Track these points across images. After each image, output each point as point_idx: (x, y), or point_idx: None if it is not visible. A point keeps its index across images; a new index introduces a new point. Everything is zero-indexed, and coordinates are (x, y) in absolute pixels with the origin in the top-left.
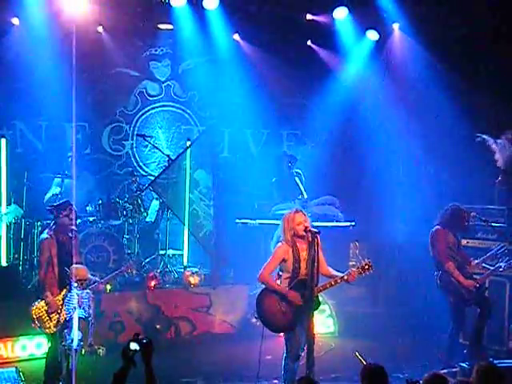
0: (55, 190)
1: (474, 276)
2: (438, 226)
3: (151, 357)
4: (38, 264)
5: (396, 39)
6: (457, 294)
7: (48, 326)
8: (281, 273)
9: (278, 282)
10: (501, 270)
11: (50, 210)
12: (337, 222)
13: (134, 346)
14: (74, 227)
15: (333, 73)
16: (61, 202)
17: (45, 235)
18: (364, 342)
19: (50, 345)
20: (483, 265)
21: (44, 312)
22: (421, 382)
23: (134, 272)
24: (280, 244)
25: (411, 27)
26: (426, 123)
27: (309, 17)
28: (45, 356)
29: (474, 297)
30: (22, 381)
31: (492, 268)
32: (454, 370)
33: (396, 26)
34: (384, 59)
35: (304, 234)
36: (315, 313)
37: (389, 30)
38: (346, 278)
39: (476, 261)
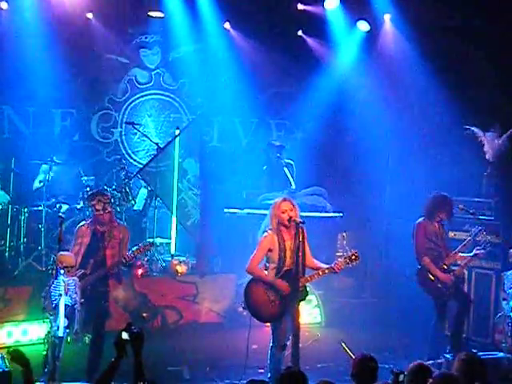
0: (41, 176)
1: (453, 268)
2: (420, 218)
3: (141, 347)
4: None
5: (387, 30)
6: (434, 290)
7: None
8: (267, 264)
9: (266, 272)
10: (478, 254)
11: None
12: (325, 212)
13: (125, 335)
14: (101, 215)
15: (323, 63)
16: (93, 191)
17: (81, 223)
18: (350, 333)
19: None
20: (460, 254)
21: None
22: (405, 372)
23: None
24: (265, 234)
25: (402, 18)
26: (416, 114)
27: (300, 7)
28: (31, 343)
29: (451, 291)
30: (6, 367)
31: (469, 256)
32: (440, 361)
33: (387, 17)
34: (375, 50)
35: (287, 223)
36: (302, 303)
37: (380, 21)
38: (332, 268)
39: (454, 251)
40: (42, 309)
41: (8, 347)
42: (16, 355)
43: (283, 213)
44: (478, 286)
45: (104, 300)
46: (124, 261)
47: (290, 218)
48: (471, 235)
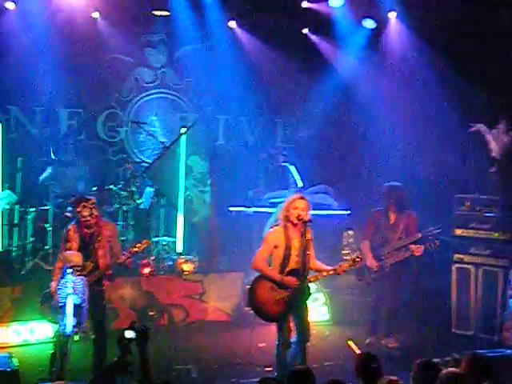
0: (47, 173)
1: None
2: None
3: (146, 344)
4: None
5: (392, 28)
6: (358, 270)
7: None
8: (270, 261)
9: None
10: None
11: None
12: (331, 210)
13: (129, 334)
14: (88, 221)
15: (329, 61)
16: (76, 197)
17: (68, 226)
18: (358, 331)
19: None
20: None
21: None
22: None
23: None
24: (271, 230)
25: (407, 16)
26: (421, 112)
27: (305, 4)
28: (38, 342)
29: (373, 276)
30: (15, 366)
31: (402, 253)
32: (447, 359)
33: (392, 15)
34: (380, 47)
35: (296, 221)
36: (309, 301)
37: (385, 19)
38: (335, 270)
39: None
40: (42, 313)
41: (15, 346)
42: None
43: (294, 209)
44: (486, 283)
45: (101, 299)
46: (120, 261)
47: (299, 216)
48: (424, 234)
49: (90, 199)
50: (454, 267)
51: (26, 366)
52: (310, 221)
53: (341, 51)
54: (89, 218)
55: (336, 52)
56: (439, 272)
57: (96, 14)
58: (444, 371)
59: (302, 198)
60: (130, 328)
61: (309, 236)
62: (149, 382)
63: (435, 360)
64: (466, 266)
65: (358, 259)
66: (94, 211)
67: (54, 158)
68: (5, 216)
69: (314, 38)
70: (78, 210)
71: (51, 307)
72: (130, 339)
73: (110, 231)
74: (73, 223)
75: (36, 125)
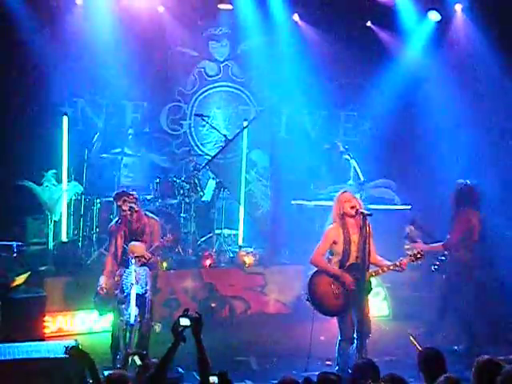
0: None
1: None
2: None
3: (201, 332)
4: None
5: (458, 20)
6: None
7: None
8: (330, 256)
9: None
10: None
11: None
12: (393, 205)
13: (183, 321)
14: (128, 214)
15: (393, 54)
16: (118, 191)
17: (112, 222)
18: (418, 326)
19: (112, 320)
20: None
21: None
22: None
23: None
24: (331, 226)
25: (474, 7)
26: (487, 106)
27: None
28: (103, 330)
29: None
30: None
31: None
32: (511, 357)
33: (458, 7)
34: (445, 40)
35: (353, 213)
36: (369, 296)
37: (451, 11)
38: (397, 265)
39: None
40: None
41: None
42: (76, 353)
43: (345, 202)
44: None
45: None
46: (145, 259)
47: (357, 208)
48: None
49: (131, 194)
50: None
51: (90, 353)
52: (369, 214)
53: (405, 44)
54: (128, 213)
55: (400, 45)
56: (505, 268)
57: (161, 8)
58: (507, 367)
59: (345, 191)
60: (183, 315)
61: (368, 230)
62: (205, 371)
63: (499, 358)
64: None
65: (419, 255)
66: (134, 206)
67: (118, 150)
68: (72, 207)
69: (377, 30)
70: (119, 203)
71: (100, 300)
72: (184, 327)
73: (151, 227)
74: (116, 220)
75: (101, 117)
